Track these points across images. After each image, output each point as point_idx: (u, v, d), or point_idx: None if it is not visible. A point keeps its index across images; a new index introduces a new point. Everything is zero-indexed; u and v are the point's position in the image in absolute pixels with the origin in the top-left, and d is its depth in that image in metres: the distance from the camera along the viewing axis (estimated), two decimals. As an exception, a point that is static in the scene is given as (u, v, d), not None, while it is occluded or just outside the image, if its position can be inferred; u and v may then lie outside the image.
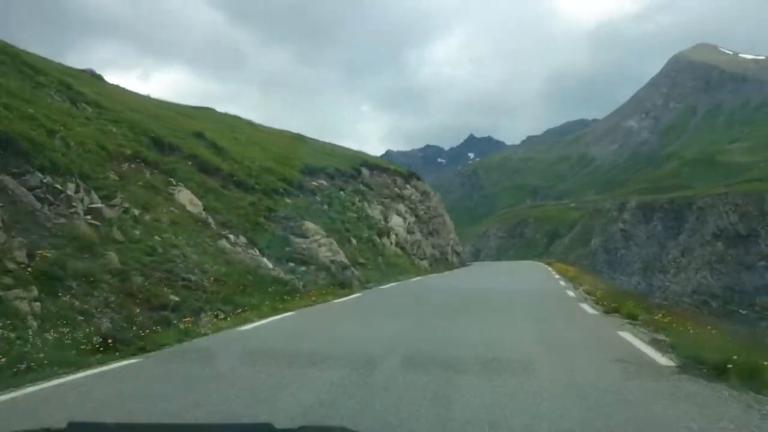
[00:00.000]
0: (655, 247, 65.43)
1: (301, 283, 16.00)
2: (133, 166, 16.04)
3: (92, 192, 12.54)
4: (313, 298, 14.34)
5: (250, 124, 38.22)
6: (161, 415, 4.43)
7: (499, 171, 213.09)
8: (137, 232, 12.36)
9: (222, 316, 10.55)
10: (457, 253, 43.62)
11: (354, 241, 24.54)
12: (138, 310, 9.45)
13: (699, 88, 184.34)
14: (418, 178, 42.85)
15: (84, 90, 20.79)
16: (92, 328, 8.07)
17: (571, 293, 17.19)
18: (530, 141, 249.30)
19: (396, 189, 36.39)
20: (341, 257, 20.05)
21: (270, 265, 16.06)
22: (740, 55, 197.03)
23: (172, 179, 16.96)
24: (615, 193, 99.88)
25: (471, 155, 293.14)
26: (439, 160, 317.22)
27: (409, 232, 33.16)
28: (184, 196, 16.26)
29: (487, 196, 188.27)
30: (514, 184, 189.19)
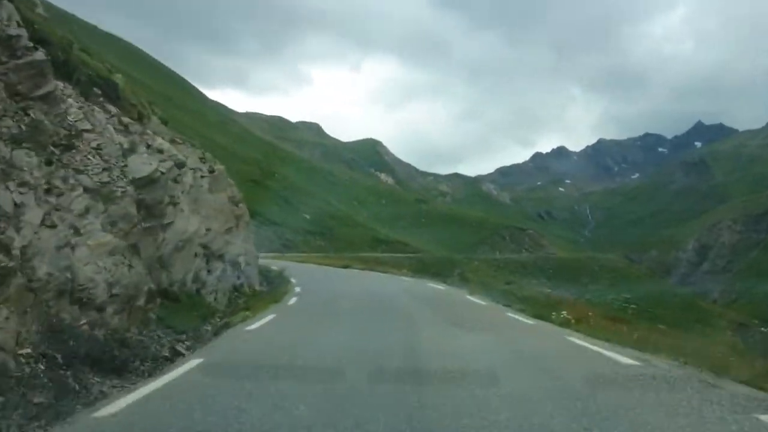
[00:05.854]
0: None
1: None
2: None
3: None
4: None
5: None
6: None
7: (733, 160, 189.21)
8: None
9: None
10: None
11: None
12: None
13: None
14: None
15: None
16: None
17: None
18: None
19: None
20: None
21: None
22: None
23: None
24: None
25: (698, 144, 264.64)
26: (659, 149, 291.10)
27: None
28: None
29: (716, 187, 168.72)
30: (752, 173, 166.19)
